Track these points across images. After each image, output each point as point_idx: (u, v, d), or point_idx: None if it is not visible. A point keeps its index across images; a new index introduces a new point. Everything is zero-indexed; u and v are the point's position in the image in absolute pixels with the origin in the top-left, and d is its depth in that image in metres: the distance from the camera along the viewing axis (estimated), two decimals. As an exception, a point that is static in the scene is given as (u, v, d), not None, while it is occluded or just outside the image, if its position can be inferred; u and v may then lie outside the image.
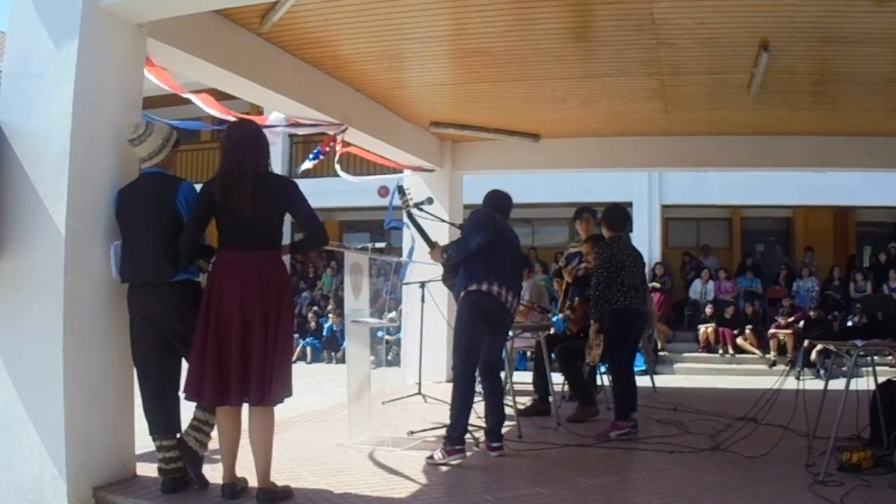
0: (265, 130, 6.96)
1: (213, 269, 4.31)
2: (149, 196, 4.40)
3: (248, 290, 4.16)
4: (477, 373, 5.67)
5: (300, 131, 7.66)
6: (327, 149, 7.75)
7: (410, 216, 6.17)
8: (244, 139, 4.32)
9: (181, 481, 4.39)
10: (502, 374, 7.95)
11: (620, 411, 6.35)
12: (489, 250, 5.51)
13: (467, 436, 5.59)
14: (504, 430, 6.34)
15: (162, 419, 4.42)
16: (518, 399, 6.87)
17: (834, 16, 5.64)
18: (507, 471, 5.21)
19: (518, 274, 5.91)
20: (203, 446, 4.41)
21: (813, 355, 13.08)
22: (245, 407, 4.27)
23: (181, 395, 4.43)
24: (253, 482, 4.33)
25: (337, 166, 8.37)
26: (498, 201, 6.02)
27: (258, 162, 4.28)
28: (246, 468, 4.42)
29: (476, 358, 5.56)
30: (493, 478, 5.00)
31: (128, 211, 4.43)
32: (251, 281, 4.18)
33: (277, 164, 19.30)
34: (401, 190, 6.19)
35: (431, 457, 5.38)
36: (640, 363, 10.43)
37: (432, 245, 5.87)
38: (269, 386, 4.14)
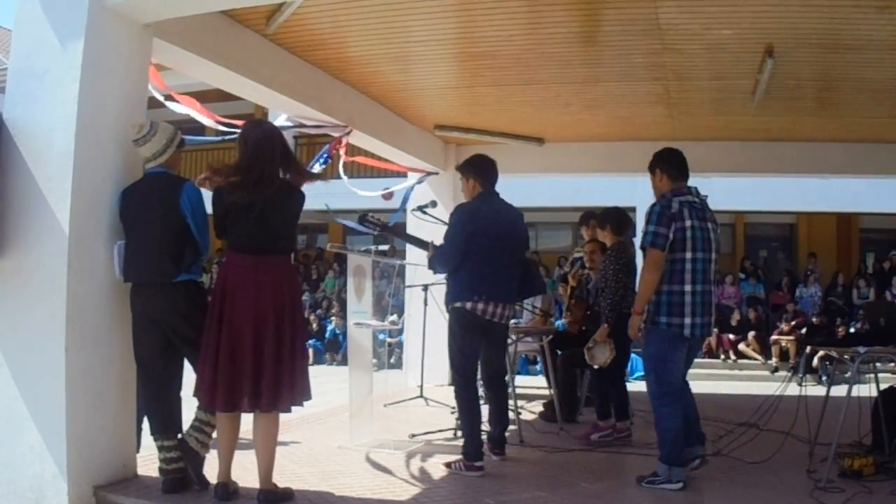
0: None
1: (224, 272, 4.26)
2: (153, 196, 4.40)
3: (262, 295, 4.14)
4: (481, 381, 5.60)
5: (305, 131, 7.66)
6: (335, 151, 7.75)
7: (384, 235, 5.97)
8: (268, 141, 4.29)
9: (182, 481, 4.39)
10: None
11: (619, 413, 6.34)
12: (473, 258, 5.18)
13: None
14: (506, 434, 6.35)
15: (163, 419, 4.42)
16: (520, 403, 6.85)
17: (839, 23, 5.64)
18: (508, 475, 5.20)
19: (512, 273, 5.39)
20: (204, 447, 4.41)
21: (815, 361, 13.07)
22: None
23: (182, 395, 4.44)
24: (255, 483, 4.32)
25: (341, 170, 8.35)
26: (482, 169, 5.47)
27: (280, 166, 4.28)
28: (248, 469, 4.42)
29: (473, 369, 5.35)
30: (495, 481, 5.00)
31: (131, 211, 4.43)
32: (265, 285, 4.16)
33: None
34: (363, 219, 5.86)
35: (450, 465, 5.26)
36: (639, 368, 10.42)
37: (426, 246, 5.66)
38: (281, 391, 4.13)
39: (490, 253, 5.19)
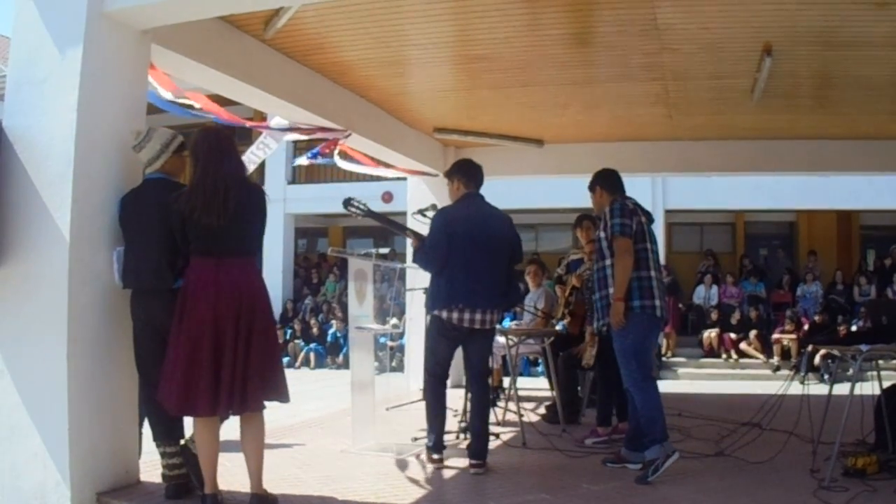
0: (268, 133, 6.98)
1: (188, 276, 4.21)
2: (150, 202, 4.38)
3: (221, 298, 4.08)
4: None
5: (304, 136, 7.65)
6: (327, 151, 7.74)
7: (370, 215, 6.03)
8: (216, 148, 4.26)
9: (185, 487, 4.38)
10: (506, 381, 7.99)
11: (620, 413, 6.31)
12: (450, 264, 5.30)
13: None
14: (509, 437, 6.36)
15: (165, 426, 4.41)
16: (522, 405, 6.84)
17: (837, 20, 5.65)
18: (511, 477, 5.20)
19: (493, 277, 5.38)
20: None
21: (817, 360, 13.06)
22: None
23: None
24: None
25: (336, 157, 8.32)
26: (465, 170, 5.63)
27: (231, 169, 4.25)
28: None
29: (444, 371, 5.49)
30: (498, 484, 4.99)
31: (130, 217, 4.42)
32: (224, 288, 4.10)
33: (280, 164, 19.34)
34: (347, 203, 5.95)
35: (419, 455, 5.56)
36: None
37: (404, 231, 5.93)
38: (247, 392, 4.05)
39: (467, 258, 5.28)
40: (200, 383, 4.03)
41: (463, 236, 5.29)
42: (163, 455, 4.41)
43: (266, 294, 4.35)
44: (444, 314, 5.29)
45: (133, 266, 4.36)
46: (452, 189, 5.64)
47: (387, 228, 6.31)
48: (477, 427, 5.43)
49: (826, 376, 12.43)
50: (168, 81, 5.54)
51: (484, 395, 5.56)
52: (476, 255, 5.29)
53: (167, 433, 4.40)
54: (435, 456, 5.43)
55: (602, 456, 5.66)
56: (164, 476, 4.43)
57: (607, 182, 5.69)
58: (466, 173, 5.60)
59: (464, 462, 5.39)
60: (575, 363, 7.20)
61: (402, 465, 5.48)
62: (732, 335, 15.33)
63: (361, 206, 5.87)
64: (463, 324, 5.28)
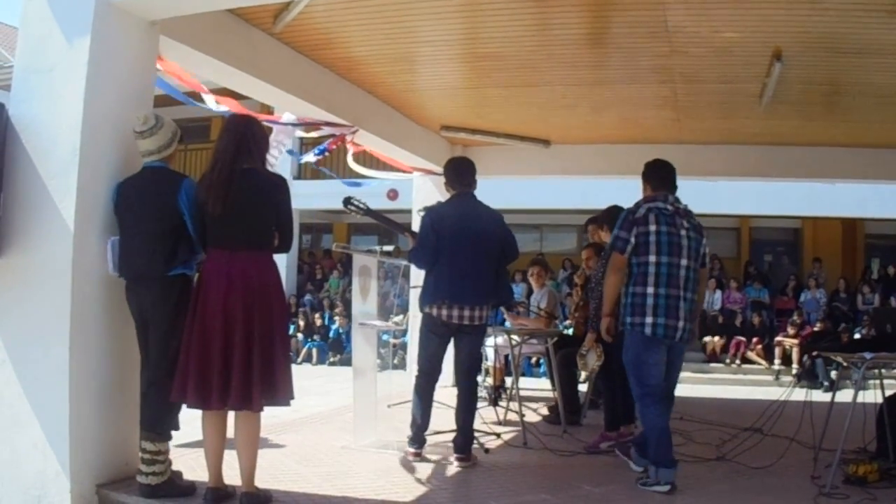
0: (278, 128, 6.97)
1: (203, 268, 4.23)
2: (151, 190, 4.33)
3: (232, 291, 4.07)
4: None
5: (312, 133, 7.66)
6: (334, 147, 7.75)
7: (370, 213, 6.09)
8: (230, 138, 4.23)
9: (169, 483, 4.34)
10: (508, 381, 7.99)
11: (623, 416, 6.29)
12: (440, 262, 5.41)
13: (474, 443, 5.61)
14: (509, 437, 6.35)
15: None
16: (523, 405, 6.84)
17: (847, 27, 5.63)
18: (512, 477, 5.19)
19: (482, 275, 5.47)
20: (163, 475, 4.27)
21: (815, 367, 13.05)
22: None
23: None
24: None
25: (349, 159, 8.37)
26: (454, 171, 5.72)
27: (240, 160, 4.18)
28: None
29: (435, 370, 5.62)
30: (499, 484, 4.99)
31: (128, 203, 4.35)
32: (235, 281, 4.08)
33: (286, 160, 19.31)
34: (347, 201, 6.03)
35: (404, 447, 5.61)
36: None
37: (401, 229, 6.03)
38: (251, 390, 4.03)
39: (454, 256, 5.39)
40: (213, 376, 4.02)
41: (451, 235, 5.41)
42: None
43: (280, 289, 4.32)
44: (434, 311, 5.43)
45: (126, 253, 4.30)
46: (447, 188, 5.77)
47: (387, 227, 6.36)
48: (462, 422, 5.51)
49: (825, 383, 12.42)
50: (182, 74, 5.56)
51: (471, 391, 5.64)
52: (463, 254, 5.39)
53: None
54: (412, 449, 5.54)
55: (610, 457, 5.65)
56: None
57: (650, 178, 5.29)
58: (454, 175, 5.70)
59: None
60: (573, 362, 7.17)
61: (404, 462, 5.48)
62: (741, 337, 15.28)
63: (361, 205, 5.96)
64: (452, 320, 5.42)
